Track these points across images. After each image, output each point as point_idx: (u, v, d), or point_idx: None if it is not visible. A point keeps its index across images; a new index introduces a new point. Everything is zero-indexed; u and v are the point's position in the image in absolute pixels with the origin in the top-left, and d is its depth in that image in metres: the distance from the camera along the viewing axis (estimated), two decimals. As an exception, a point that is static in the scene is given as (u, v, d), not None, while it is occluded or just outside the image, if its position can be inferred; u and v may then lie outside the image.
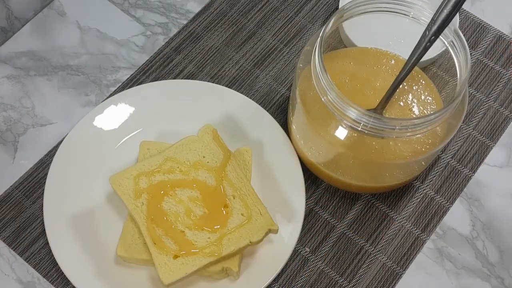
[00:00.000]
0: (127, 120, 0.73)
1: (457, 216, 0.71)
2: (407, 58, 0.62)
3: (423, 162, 0.67)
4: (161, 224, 0.64)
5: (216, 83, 0.76)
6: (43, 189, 0.69)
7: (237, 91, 0.75)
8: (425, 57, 0.70)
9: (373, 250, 0.69)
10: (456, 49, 0.61)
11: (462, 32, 0.73)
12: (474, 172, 0.73)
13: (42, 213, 0.68)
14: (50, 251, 0.67)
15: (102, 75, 0.77)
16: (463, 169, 0.73)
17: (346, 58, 0.69)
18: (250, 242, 0.63)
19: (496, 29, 0.80)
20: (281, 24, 0.80)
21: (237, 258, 0.64)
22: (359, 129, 0.59)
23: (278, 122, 0.72)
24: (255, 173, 0.70)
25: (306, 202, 0.69)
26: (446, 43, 0.62)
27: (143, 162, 0.67)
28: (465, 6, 0.81)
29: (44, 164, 0.72)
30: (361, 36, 0.72)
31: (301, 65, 0.65)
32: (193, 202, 0.65)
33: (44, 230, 0.67)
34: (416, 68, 0.68)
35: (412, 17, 0.63)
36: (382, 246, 0.69)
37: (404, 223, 0.70)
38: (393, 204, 0.71)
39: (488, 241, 0.70)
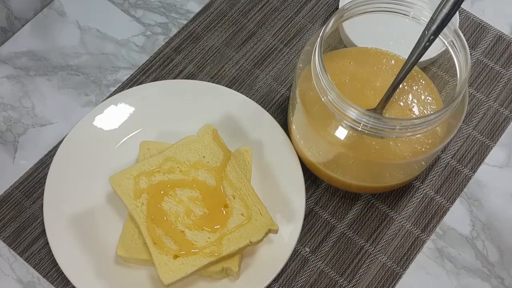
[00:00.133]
0: (127, 120, 0.73)
1: (457, 216, 0.71)
2: (407, 58, 0.62)
3: (423, 162, 0.67)
4: (161, 224, 0.64)
5: (216, 83, 0.76)
6: (43, 189, 0.69)
7: (237, 91, 0.75)
8: (425, 57, 0.70)
9: (373, 250, 0.69)
10: (456, 49, 0.61)
11: (462, 32, 0.73)
12: (474, 172, 0.73)
13: (42, 213, 0.68)
14: (50, 251, 0.67)
15: (102, 75, 0.77)
16: (463, 169, 0.73)
17: (346, 58, 0.69)
18: (250, 242, 0.63)
19: (496, 29, 0.80)
20: (281, 24, 0.80)
21: (237, 258, 0.64)
22: (359, 129, 0.59)
23: (278, 122, 0.72)
24: (255, 173, 0.70)
25: (306, 202, 0.69)
26: (446, 43, 0.62)
27: (143, 162, 0.67)
28: (465, 6, 0.82)
29: (44, 164, 0.72)
30: (361, 36, 0.72)
31: (301, 65, 0.65)
32: (193, 202, 0.65)
33: (44, 230, 0.67)
34: (416, 68, 0.68)
35: (412, 17, 0.63)
36: (382, 246, 0.69)
37: (404, 223, 0.70)
38: (393, 204, 0.71)
39: (488, 241, 0.70)
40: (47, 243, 0.67)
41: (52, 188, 0.69)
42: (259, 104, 0.74)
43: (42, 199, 0.69)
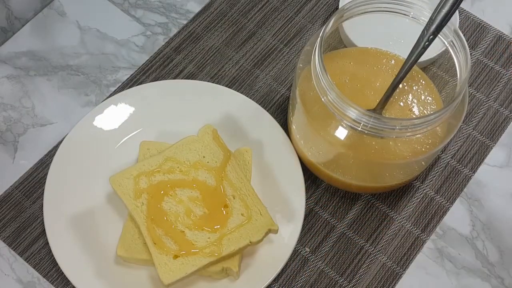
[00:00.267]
0: (127, 120, 0.73)
1: (457, 216, 0.71)
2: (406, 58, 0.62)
3: (423, 162, 0.67)
4: (161, 224, 0.64)
5: (216, 83, 0.76)
6: (43, 189, 0.69)
7: (237, 91, 0.75)
8: (425, 57, 0.70)
9: (373, 250, 0.69)
10: (456, 49, 0.61)
11: (462, 32, 0.73)
12: (474, 172, 0.73)
13: (42, 213, 0.68)
14: (50, 251, 0.67)
15: (102, 75, 0.77)
16: (463, 169, 0.73)
17: (346, 58, 0.69)
18: (250, 242, 0.63)
19: (496, 29, 0.80)
20: (281, 24, 0.80)
21: (237, 258, 0.64)
22: (359, 129, 0.59)
23: (278, 122, 0.72)
24: (255, 173, 0.70)
25: (306, 202, 0.69)
26: (446, 43, 0.62)
27: (143, 162, 0.67)
28: (465, 6, 0.82)
29: (44, 164, 0.72)
30: (361, 36, 0.72)
31: (301, 65, 0.65)
32: (193, 202, 0.65)
33: (44, 230, 0.67)
34: (416, 68, 0.68)
35: (412, 17, 0.63)
36: (382, 246, 0.69)
37: (404, 223, 0.70)
38: (393, 204, 0.71)
39: (488, 241, 0.70)
40: (47, 243, 0.67)
41: (52, 188, 0.69)
42: (259, 104, 0.74)
43: (42, 199, 0.69)
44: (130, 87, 0.76)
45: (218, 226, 0.64)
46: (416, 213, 0.71)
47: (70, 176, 0.70)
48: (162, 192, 0.65)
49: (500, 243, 0.70)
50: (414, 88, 0.67)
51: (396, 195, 0.72)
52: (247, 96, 0.74)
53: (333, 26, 0.61)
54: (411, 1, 0.62)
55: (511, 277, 0.69)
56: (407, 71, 0.62)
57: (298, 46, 0.79)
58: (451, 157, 0.73)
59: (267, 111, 0.73)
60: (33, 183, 0.71)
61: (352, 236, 0.70)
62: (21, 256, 0.68)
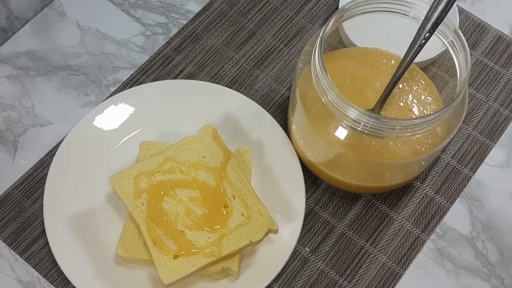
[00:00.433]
0: (127, 120, 0.73)
1: (457, 216, 0.71)
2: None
3: (423, 162, 0.67)
4: (161, 224, 0.64)
5: (216, 83, 0.76)
6: (43, 189, 0.69)
7: (237, 91, 0.75)
8: (425, 57, 0.71)
9: (373, 250, 0.69)
10: (456, 49, 0.61)
11: (462, 32, 0.73)
12: (474, 172, 0.73)
13: (42, 213, 0.68)
14: (50, 251, 0.67)
15: (102, 75, 0.77)
16: (463, 169, 0.73)
17: (346, 58, 0.69)
18: (250, 242, 0.63)
19: (496, 29, 0.80)
20: (281, 24, 0.80)
21: (237, 258, 0.64)
22: (359, 129, 0.59)
23: (278, 122, 0.72)
24: (255, 173, 0.70)
25: (306, 202, 0.69)
26: (446, 43, 0.62)
27: (143, 162, 0.67)
28: (465, 6, 0.82)
29: (44, 164, 0.72)
30: (361, 36, 0.72)
31: (301, 65, 0.65)
32: (193, 202, 0.65)
33: (44, 230, 0.67)
34: (416, 68, 0.68)
35: (412, 17, 0.63)
36: (382, 246, 0.69)
37: (404, 223, 0.70)
38: (393, 204, 0.71)
39: (488, 241, 0.70)
40: (47, 243, 0.67)
41: (52, 188, 0.69)
42: (259, 104, 0.74)
43: (42, 199, 0.69)
44: (130, 87, 0.76)
45: (218, 226, 0.64)
46: (416, 213, 0.71)
47: (70, 176, 0.70)
48: (162, 192, 0.65)
49: (500, 243, 0.70)
50: (414, 88, 0.67)
51: (396, 195, 0.72)
52: (247, 96, 0.74)
53: (333, 26, 0.61)
54: (411, 1, 0.62)
55: (511, 277, 0.69)
56: (404, 70, 0.62)
57: (298, 46, 0.79)
58: (451, 157, 0.73)
59: (267, 111, 0.74)
60: (33, 183, 0.71)
61: (352, 236, 0.70)
62: (21, 256, 0.68)
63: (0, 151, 0.73)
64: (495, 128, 0.75)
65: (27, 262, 0.67)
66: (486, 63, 0.78)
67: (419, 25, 0.62)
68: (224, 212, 0.65)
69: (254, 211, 0.65)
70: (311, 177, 0.72)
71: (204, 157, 0.67)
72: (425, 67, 0.72)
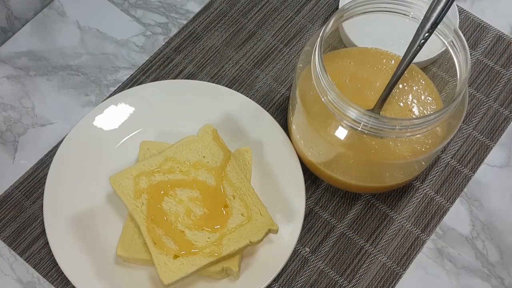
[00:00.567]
0: (127, 120, 0.73)
1: (457, 216, 0.71)
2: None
3: (423, 162, 0.67)
4: (161, 224, 0.64)
5: (216, 83, 0.76)
6: (43, 189, 0.69)
7: (237, 91, 0.75)
8: (425, 57, 0.71)
9: (373, 250, 0.69)
10: (456, 49, 0.61)
11: (462, 32, 0.73)
12: (474, 172, 0.73)
13: (42, 213, 0.68)
14: (50, 251, 0.67)
15: (102, 75, 0.77)
16: (463, 169, 0.73)
17: (346, 58, 0.69)
18: (250, 242, 0.63)
19: (496, 29, 0.80)
20: (281, 24, 0.80)
21: (237, 258, 0.64)
22: (359, 129, 0.59)
23: (278, 122, 0.72)
24: (255, 173, 0.70)
25: (306, 202, 0.69)
26: (446, 43, 0.62)
27: (143, 162, 0.67)
28: (465, 6, 0.82)
29: (44, 164, 0.72)
30: (361, 36, 0.72)
31: (301, 65, 0.65)
32: (193, 202, 0.65)
33: (44, 230, 0.67)
34: (416, 68, 0.68)
35: (412, 17, 0.63)
36: (382, 246, 0.69)
37: (404, 223, 0.70)
38: (393, 204, 0.71)
39: (488, 241, 0.70)
40: (47, 243, 0.67)
41: (52, 188, 0.69)
42: (259, 104, 0.74)
43: (42, 199, 0.69)
44: (130, 87, 0.76)
45: (218, 226, 0.64)
46: (416, 213, 0.71)
47: (70, 176, 0.70)
48: (162, 192, 0.65)
49: (500, 243, 0.70)
50: (414, 88, 0.67)
51: (396, 195, 0.72)
52: (247, 96, 0.74)
53: (333, 26, 0.61)
54: (411, 1, 0.62)
55: (511, 277, 0.69)
56: (403, 70, 0.62)
57: (298, 46, 0.79)
58: (451, 157, 0.73)
59: (267, 111, 0.74)
60: (33, 183, 0.71)
61: (352, 236, 0.70)
62: (21, 256, 0.68)
63: (0, 151, 0.73)
64: (495, 128, 0.75)
65: (27, 262, 0.67)
66: (486, 63, 0.78)
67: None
68: (224, 212, 0.65)
69: (254, 211, 0.65)
70: (311, 177, 0.72)
71: (204, 157, 0.67)
72: (425, 67, 0.72)
